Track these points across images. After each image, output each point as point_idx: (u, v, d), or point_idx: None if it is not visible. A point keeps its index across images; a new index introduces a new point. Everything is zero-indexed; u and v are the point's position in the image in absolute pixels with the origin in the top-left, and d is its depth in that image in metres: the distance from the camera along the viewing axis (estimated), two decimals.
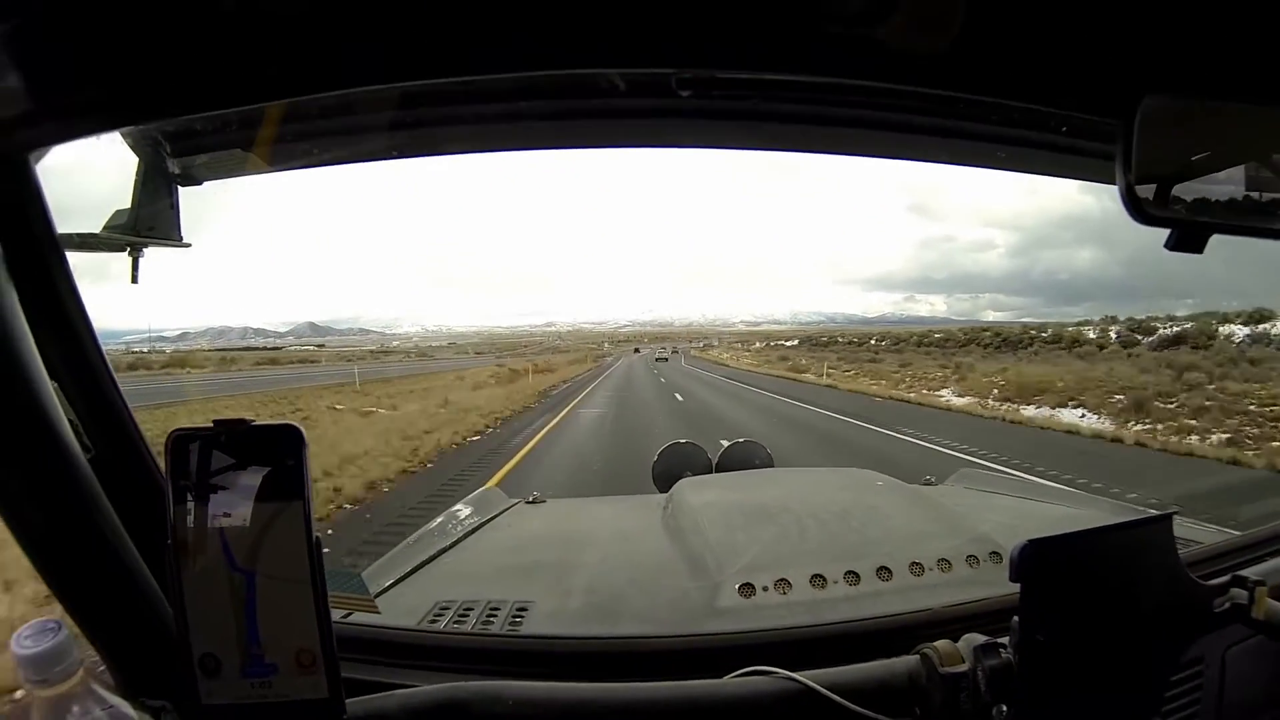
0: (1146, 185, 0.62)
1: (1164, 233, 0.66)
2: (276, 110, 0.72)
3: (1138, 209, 0.61)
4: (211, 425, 0.59)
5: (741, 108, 0.79)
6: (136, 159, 0.76)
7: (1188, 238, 0.65)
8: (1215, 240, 0.67)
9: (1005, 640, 0.74)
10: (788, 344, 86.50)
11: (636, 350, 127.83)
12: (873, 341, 59.62)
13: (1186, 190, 0.64)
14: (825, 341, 71.00)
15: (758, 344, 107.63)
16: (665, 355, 77.96)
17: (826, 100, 0.81)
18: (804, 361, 46.46)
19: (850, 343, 64.02)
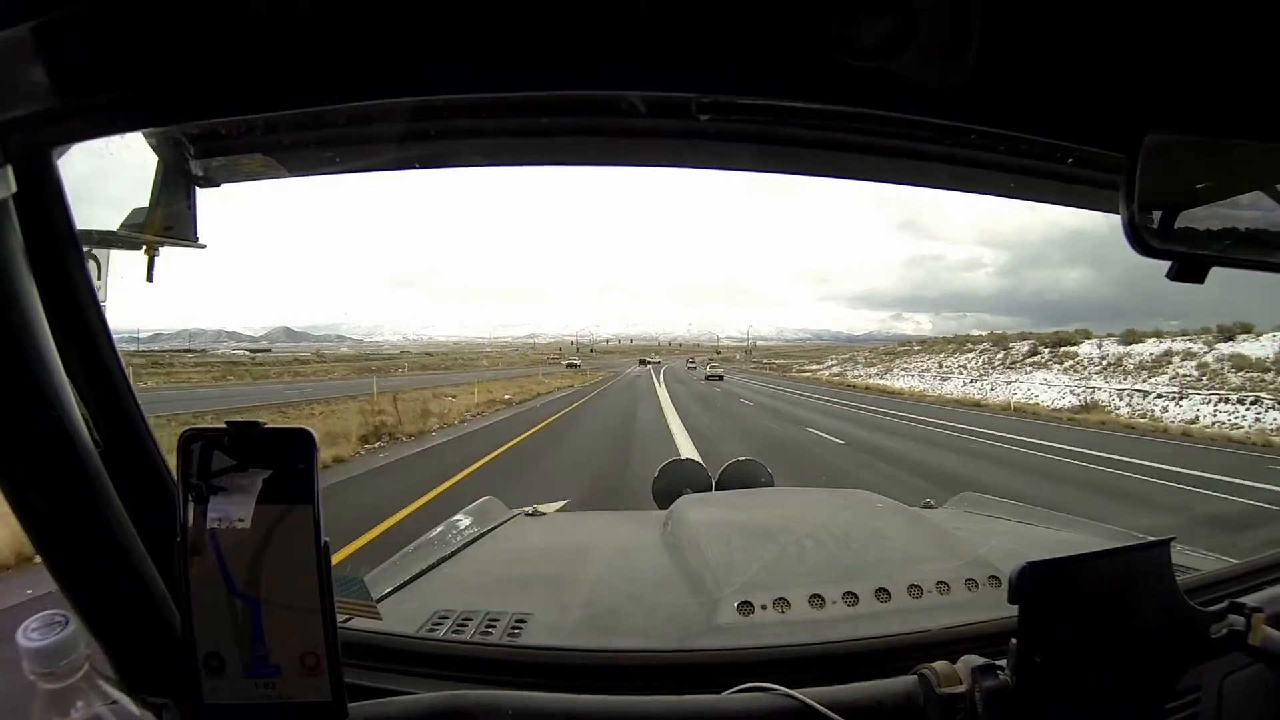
0: (1149, 217, 0.63)
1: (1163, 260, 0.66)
2: (298, 117, 0.73)
3: (1139, 241, 0.62)
4: (224, 426, 0.60)
5: (757, 131, 0.80)
6: (157, 159, 0.77)
7: (1189, 268, 0.66)
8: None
9: (1003, 663, 0.74)
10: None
11: (644, 363, 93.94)
12: None
13: (1188, 223, 0.65)
14: None
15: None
16: (719, 372, 50.00)
17: (841, 127, 0.82)
18: None
19: None
